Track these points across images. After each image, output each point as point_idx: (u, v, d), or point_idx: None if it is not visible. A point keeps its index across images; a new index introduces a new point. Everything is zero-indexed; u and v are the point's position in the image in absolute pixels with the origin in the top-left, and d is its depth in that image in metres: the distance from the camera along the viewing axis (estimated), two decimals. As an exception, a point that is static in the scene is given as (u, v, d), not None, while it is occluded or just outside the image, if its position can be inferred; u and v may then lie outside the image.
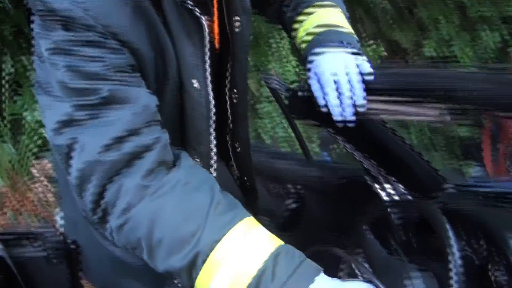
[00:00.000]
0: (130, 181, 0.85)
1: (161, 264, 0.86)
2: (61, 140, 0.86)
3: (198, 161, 1.06)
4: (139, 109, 0.88)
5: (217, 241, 0.83)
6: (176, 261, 0.84)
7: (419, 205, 1.16)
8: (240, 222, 0.86)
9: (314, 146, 3.02)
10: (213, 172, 1.11)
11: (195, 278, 0.85)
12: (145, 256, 0.87)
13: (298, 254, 0.86)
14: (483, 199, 1.25)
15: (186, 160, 0.95)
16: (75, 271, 1.26)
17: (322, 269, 0.85)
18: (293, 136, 2.18)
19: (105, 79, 0.84)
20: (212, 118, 1.05)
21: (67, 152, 0.86)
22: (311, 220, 1.67)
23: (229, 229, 0.85)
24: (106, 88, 0.85)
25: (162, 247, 0.85)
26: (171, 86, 0.97)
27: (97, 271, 1.27)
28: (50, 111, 0.88)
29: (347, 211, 1.42)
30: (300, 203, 1.70)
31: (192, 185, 0.88)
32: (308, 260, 0.85)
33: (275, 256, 0.83)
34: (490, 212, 1.13)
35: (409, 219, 1.11)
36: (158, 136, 0.90)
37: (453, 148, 3.99)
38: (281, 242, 0.87)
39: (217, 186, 0.91)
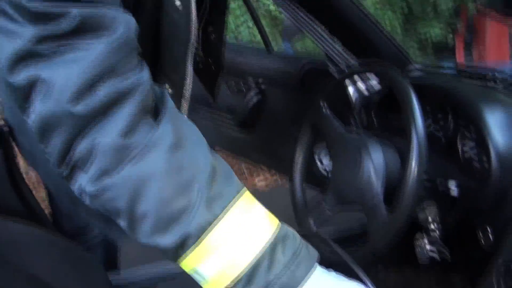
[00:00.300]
0: (106, 138, 0.70)
1: (144, 239, 0.73)
2: (19, 78, 0.69)
3: (169, 90, 0.92)
4: (117, 41, 0.70)
5: (212, 224, 0.71)
6: (162, 240, 0.72)
7: (381, 70, 1.05)
8: (238, 200, 0.74)
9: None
10: (185, 108, 0.97)
11: (181, 258, 0.74)
12: (124, 226, 0.74)
13: (297, 237, 0.78)
14: (451, 78, 1.17)
15: (171, 104, 0.78)
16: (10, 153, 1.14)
17: (318, 254, 0.79)
18: (258, 37, 2.04)
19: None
20: (191, 44, 0.91)
21: (27, 93, 0.70)
22: (273, 114, 1.58)
23: (227, 209, 0.73)
24: (75, 12, 0.67)
25: (146, 222, 0.72)
26: (149, 4, 0.84)
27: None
28: (4, 38, 0.70)
29: (309, 101, 1.33)
30: (261, 98, 1.60)
31: (184, 146, 0.74)
32: (306, 244, 0.78)
33: (274, 243, 0.74)
34: (460, 86, 1.04)
35: (370, 92, 1.00)
36: (140, 76, 0.73)
37: (426, 51, 3.91)
38: (277, 222, 0.77)
39: (208, 147, 0.77)
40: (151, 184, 0.71)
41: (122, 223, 0.74)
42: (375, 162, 0.88)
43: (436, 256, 1.04)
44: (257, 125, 1.62)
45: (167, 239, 0.71)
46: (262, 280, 0.72)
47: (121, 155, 0.70)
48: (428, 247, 1.01)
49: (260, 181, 3.04)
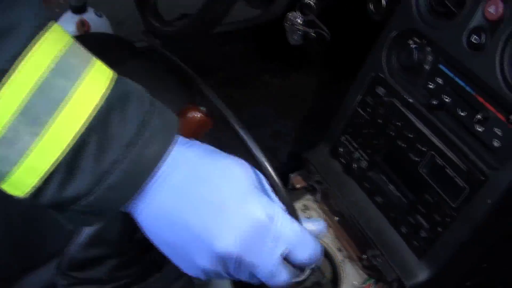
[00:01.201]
0: None
1: None
2: None
3: None
4: None
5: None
6: None
7: None
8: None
9: None
10: None
11: None
12: None
13: (145, 98, 0.58)
14: None
15: None
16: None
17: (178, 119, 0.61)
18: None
19: None
20: None
21: None
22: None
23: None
24: None
25: None
26: None
27: None
28: None
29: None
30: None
31: None
32: (160, 108, 0.60)
33: (107, 108, 0.53)
34: None
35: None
36: None
37: None
38: (112, 74, 0.57)
39: None
40: None
41: None
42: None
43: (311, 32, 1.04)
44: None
45: None
46: (90, 169, 0.53)
47: None
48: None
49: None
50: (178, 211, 0.60)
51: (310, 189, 1.33)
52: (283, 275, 0.67)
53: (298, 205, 1.32)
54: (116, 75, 0.58)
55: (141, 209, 0.61)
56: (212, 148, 0.66)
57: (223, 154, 0.65)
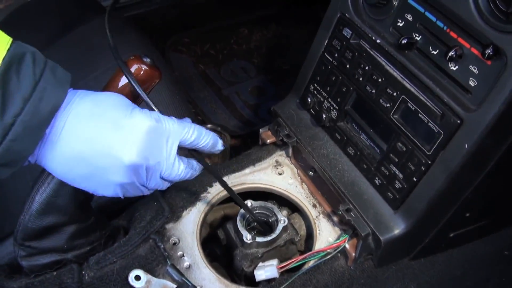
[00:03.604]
0: None
1: None
2: None
3: None
4: None
5: None
6: None
7: None
8: None
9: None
10: None
11: None
12: None
13: (39, 58, 0.67)
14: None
15: None
16: None
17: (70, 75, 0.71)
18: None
19: None
20: None
21: None
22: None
23: None
24: None
25: None
26: None
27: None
28: None
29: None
30: None
31: None
32: (53, 66, 0.69)
33: (4, 69, 0.62)
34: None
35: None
36: None
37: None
38: (8, 39, 0.66)
39: None
40: None
41: None
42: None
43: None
44: None
45: None
46: None
47: None
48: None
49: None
50: (84, 145, 0.71)
51: (281, 145, 1.26)
52: (182, 165, 0.81)
53: (270, 161, 1.25)
54: (11, 40, 0.64)
55: (51, 158, 0.72)
56: (99, 93, 0.76)
57: (106, 93, 0.77)
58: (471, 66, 0.82)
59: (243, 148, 1.40)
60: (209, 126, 2.02)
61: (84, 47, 1.53)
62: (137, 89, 0.78)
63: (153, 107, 0.79)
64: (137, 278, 0.95)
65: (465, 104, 0.84)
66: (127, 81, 0.80)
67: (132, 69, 0.82)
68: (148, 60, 0.84)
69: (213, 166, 0.94)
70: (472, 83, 0.83)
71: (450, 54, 0.84)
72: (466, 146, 0.84)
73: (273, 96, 2.32)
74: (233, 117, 2.19)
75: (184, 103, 1.39)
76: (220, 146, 0.88)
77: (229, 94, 2.30)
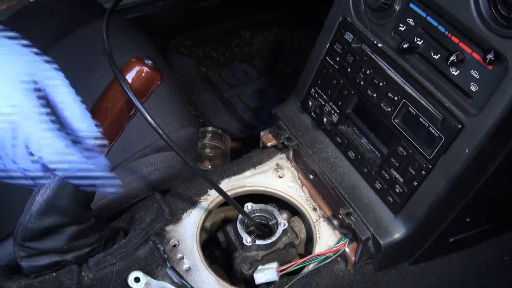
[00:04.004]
0: None
1: None
2: None
3: None
4: None
5: None
6: None
7: None
8: None
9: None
10: None
11: None
12: None
13: None
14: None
15: None
16: None
17: None
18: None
19: None
20: None
21: None
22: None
23: None
24: None
25: None
26: None
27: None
28: None
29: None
30: None
31: None
32: None
33: None
34: None
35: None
36: None
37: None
38: None
39: None
40: None
41: None
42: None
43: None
44: None
45: None
46: None
47: None
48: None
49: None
50: None
51: (281, 148, 1.26)
52: (60, 141, 0.71)
53: (270, 164, 1.25)
54: None
55: None
56: None
57: None
58: (472, 71, 0.82)
59: (243, 150, 1.40)
60: (210, 128, 2.03)
61: (86, 49, 1.53)
62: (131, 96, 0.77)
63: (149, 118, 0.77)
64: (137, 280, 0.95)
65: (466, 108, 0.84)
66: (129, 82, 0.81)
67: (133, 71, 0.82)
68: (150, 62, 0.84)
69: (206, 173, 0.92)
70: (473, 88, 0.83)
71: (451, 58, 0.84)
72: (467, 151, 0.84)
73: (274, 99, 2.32)
74: (234, 119, 2.19)
75: (185, 105, 1.39)
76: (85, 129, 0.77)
77: (230, 96, 2.30)
